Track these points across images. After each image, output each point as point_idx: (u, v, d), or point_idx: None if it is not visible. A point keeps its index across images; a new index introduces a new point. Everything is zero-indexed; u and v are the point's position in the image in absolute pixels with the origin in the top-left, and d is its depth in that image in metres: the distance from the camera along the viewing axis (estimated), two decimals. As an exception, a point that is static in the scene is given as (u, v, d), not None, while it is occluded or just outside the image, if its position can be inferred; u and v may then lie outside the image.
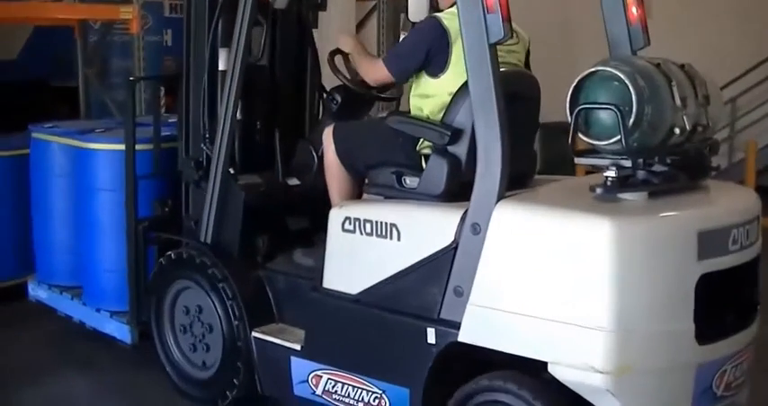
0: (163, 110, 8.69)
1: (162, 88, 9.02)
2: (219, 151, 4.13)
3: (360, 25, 9.34)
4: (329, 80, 4.40)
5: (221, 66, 4.33)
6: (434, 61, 3.68)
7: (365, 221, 3.66)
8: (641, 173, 3.33)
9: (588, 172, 3.93)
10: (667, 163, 3.39)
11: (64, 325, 5.22)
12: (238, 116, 4.18)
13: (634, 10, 3.86)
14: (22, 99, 9.40)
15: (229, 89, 4.07)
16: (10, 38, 9.72)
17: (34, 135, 5.33)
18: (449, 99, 3.67)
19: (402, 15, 4.54)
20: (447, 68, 3.66)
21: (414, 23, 4.44)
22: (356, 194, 4.06)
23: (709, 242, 3.17)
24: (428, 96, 3.75)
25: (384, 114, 4.30)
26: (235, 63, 4.05)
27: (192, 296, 4.31)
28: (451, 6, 3.77)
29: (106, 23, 8.78)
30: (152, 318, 4.49)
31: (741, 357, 3.40)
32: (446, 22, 3.67)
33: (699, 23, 9.51)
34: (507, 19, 3.25)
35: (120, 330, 4.76)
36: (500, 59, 3.41)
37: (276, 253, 4.24)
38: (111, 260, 4.83)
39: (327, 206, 4.37)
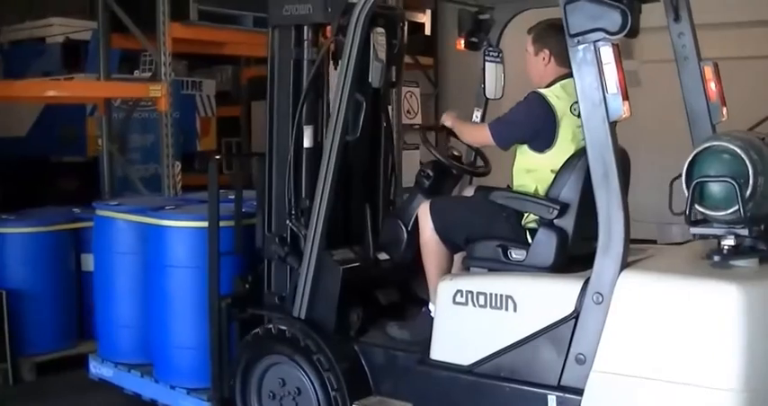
0: (179, 186, 8.78)
1: (179, 164, 9.09)
2: (316, 227, 4.21)
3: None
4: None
5: (306, 144, 4.46)
6: (540, 136, 3.86)
7: (478, 293, 3.77)
8: (748, 240, 3.52)
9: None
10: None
11: (127, 399, 5.25)
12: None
13: (713, 86, 4.10)
14: (30, 174, 9.47)
15: (327, 166, 4.18)
16: (21, 115, 9.77)
17: (98, 212, 5.38)
18: (551, 175, 3.84)
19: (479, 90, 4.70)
20: (554, 145, 3.84)
21: (488, 99, 4.66)
22: (450, 267, 4.18)
23: (820, 304, 3.36)
24: (531, 171, 3.91)
25: (471, 189, 4.45)
26: (333, 140, 4.16)
27: (283, 372, 4.34)
28: (552, 84, 3.96)
29: (126, 100, 8.86)
30: (237, 395, 4.50)
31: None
32: (551, 100, 3.85)
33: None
34: (626, 97, 3.43)
35: (198, 407, 4.76)
36: None
37: (368, 327, 4.31)
38: (187, 336, 4.85)
39: (416, 280, 4.50)
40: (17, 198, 8.82)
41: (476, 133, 4.20)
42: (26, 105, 9.66)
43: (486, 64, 4.56)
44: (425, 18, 4.58)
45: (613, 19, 3.40)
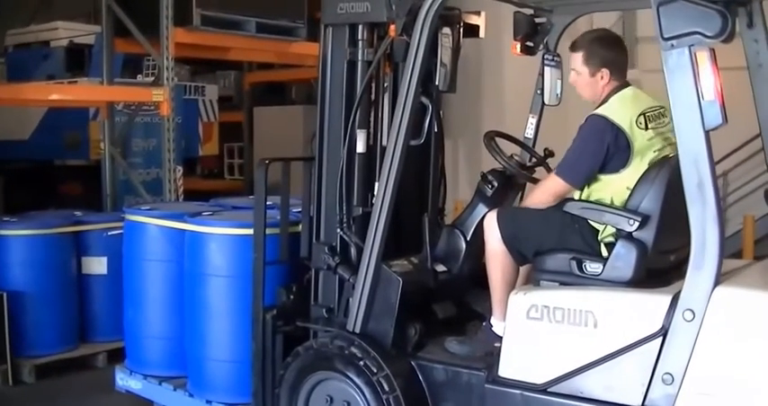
0: (181, 190, 8.63)
1: (180, 169, 8.91)
2: (375, 236, 4.00)
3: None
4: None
5: (359, 149, 4.26)
6: (614, 159, 3.68)
7: (555, 308, 3.59)
8: None
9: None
10: None
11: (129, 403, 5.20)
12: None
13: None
14: (33, 178, 9.33)
15: (389, 171, 3.96)
16: (25, 118, 9.61)
17: (129, 217, 5.15)
18: (626, 192, 3.67)
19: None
20: (629, 164, 3.67)
21: (544, 106, 4.50)
22: (516, 280, 3.99)
23: None
24: (603, 189, 3.74)
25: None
26: (396, 144, 3.95)
27: (333, 388, 4.11)
28: (606, 99, 3.81)
29: (129, 104, 8.80)
30: (281, 410, 4.28)
31: None
32: (616, 120, 3.67)
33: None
34: (723, 104, 3.26)
35: (236, 424, 4.53)
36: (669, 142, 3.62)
37: (425, 342, 4.10)
38: (226, 349, 4.63)
39: (470, 293, 4.31)
40: (20, 201, 8.66)
41: (546, 190, 3.87)
42: (30, 109, 9.54)
43: (545, 69, 4.40)
44: (481, 20, 4.40)
45: (712, 22, 3.23)
